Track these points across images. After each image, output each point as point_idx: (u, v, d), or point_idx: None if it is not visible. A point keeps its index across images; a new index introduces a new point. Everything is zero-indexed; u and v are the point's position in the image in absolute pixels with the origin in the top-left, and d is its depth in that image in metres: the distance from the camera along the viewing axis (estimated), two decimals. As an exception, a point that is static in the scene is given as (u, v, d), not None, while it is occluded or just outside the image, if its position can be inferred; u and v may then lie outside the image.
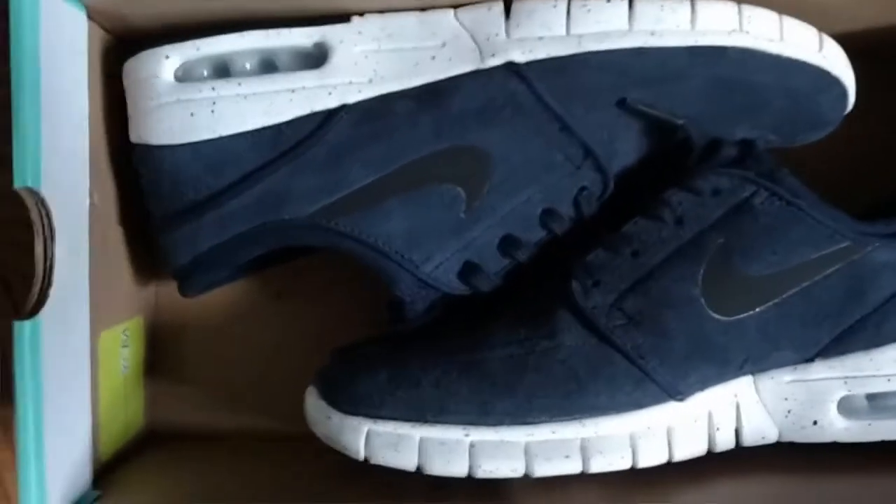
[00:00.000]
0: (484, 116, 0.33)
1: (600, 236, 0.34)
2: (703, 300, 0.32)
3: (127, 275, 0.38)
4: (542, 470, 0.31)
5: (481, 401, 0.31)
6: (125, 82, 0.35)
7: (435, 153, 0.33)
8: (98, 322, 0.35)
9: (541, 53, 0.32)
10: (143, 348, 0.41)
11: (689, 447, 0.33)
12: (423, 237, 0.34)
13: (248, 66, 0.34)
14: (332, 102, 0.33)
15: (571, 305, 0.33)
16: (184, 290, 0.36)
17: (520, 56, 0.32)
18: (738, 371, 0.33)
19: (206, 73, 0.34)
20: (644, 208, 0.34)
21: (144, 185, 0.35)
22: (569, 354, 0.32)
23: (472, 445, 0.31)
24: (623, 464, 0.32)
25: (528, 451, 0.31)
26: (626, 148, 0.34)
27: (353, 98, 0.33)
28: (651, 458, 0.32)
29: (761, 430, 0.34)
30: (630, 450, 0.32)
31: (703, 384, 0.33)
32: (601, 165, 0.34)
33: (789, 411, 0.34)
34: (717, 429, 0.33)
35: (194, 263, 0.35)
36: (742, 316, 0.32)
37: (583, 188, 0.34)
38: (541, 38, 0.32)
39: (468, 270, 0.35)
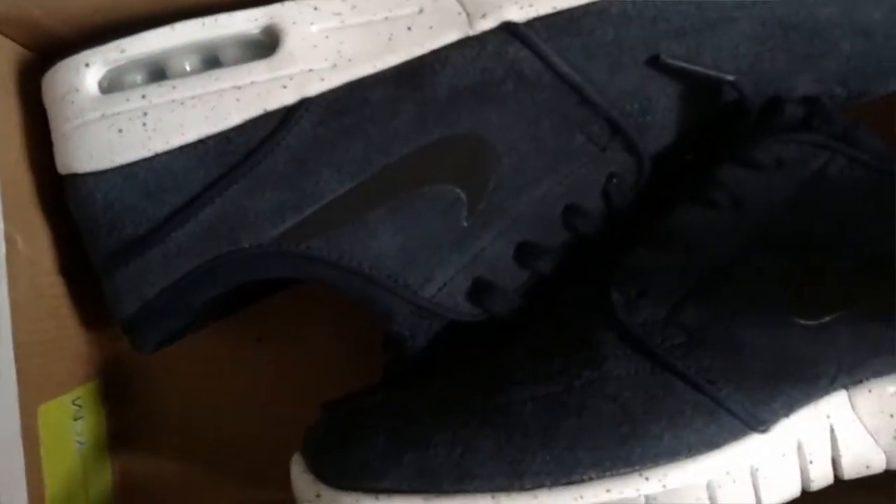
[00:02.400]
0: (480, 96, 0.26)
1: (641, 232, 0.27)
2: (785, 303, 0.25)
3: (70, 333, 0.32)
4: None
5: (511, 459, 0.25)
6: (45, 101, 0.29)
7: (423, 148, 0.27)
8: (32, 394, 0.28)
9: (545, 7, 0.25)
10: (102, 417, 0.34)
11: (780, 489, 0.26)
12: (419, 254, 0.27)
13: (187, 65, 0.28)
14: (289, 97, 0.27)
15: (614, 324, 0.26)
16: (137, 346, 0.30)
17: (517, 13, 0.26)
18: (830, 386, 0.27)
19: (137, 78, 0.28)
20: (692, 192, 0.27)
21: (79, 223, 0.29)
22: (618, 388, 0.25)
23: None
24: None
25: None
26: (662, 119, 0.28)
27: (314, 89, 0.27)
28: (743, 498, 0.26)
29: (864, 457, 0.27)
30: (705, 496, 0.25)
31: (790, 408, 0.26)
32: (633, 144, 0.27)
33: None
34: (811, 462, 0.27)
35: (143, 312, 0.29)
36: (832, 317, 0.26)
37: (612, 175, 0.28)
38: (542, -12, 0.25)
39: (479, 290, 0.28)
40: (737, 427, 0.26)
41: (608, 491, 0.25)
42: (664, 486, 0.25)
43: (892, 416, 0.27)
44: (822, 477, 0.27)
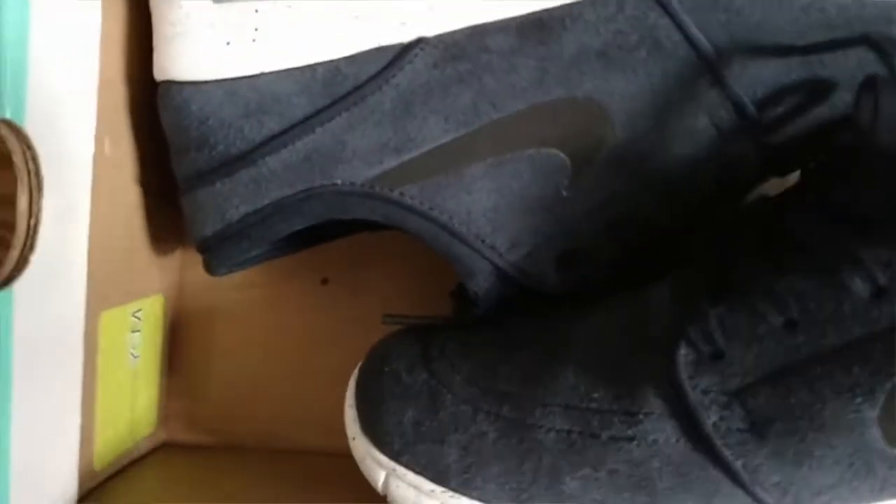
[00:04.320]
0: (608, 60, 0.25)
1: (750, 277, 0.24)
2: (877, 427, 0.22)
3: (143, 244, 0.31)
4: None
5: (517, 487, 0.23)
6: (151, 2, 0.28)
7: (537, 107, 0.25)
8: (98, 299, 0.28)
9: (693, -28, 0.24)
10: (161, 336, 0.34)
11: None
12: (511, 217, 0.26)
13: (301, -14, 0.27)
14: (406, 35, 0.25)
15: (672, 379, 0.23)
16: (210, 267, 0.29)
17: (666, -24, 0.24)
18: None
19: (249, -7, 0.27)
20: (824, 266, 0.23)
21: (168, 134, 0.28)
22: (649, 455, 0.23)
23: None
24: None
25: None
26: (800, 106, 0.26)
27: (433, 30, 0.25)
28: None
29: None
30: None
31: None
32: (756, 134, 0.25)
33: None
34: None
35: (223, 234, 0.28)
36: None
37: (731, 160, 0.26)
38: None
39: (567, 260, 0.27)
40: None
41: None
42: None
43: None
44: None
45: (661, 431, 0.23)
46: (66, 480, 0.27)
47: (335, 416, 0.31)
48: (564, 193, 0.26)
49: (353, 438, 0.26)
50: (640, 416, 0.23)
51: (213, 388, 0.35)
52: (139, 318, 0.32)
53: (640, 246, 0.28)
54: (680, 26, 0.24)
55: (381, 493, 0.26)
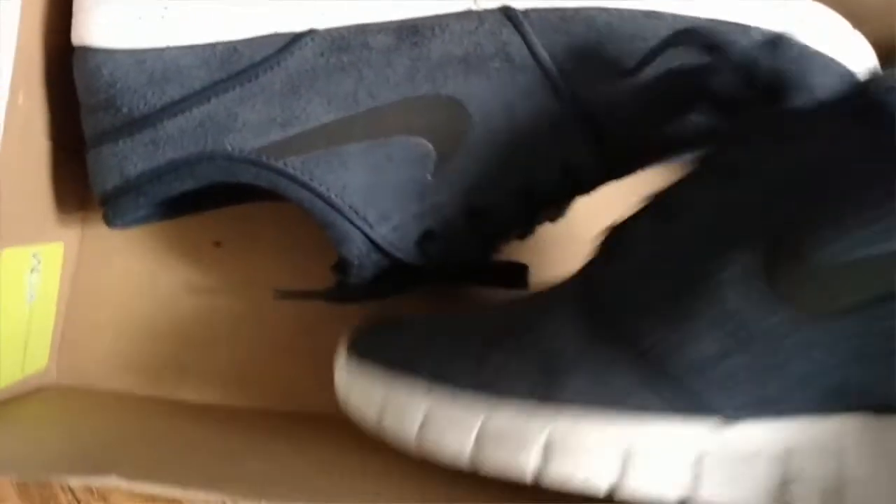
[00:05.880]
0: (468, 66, 0.29)
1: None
2: (755, 286, 0.23)
3: (48, 192, 0.34)
4: (488, 457, 0.25)
5: (450, 365, 0.26)
6: (73, -25, 0.31)
7: (408, 99, 0.29)
8: (5, 233, 0.30)
9: (543, 1, 0.28)
10: (57, 280, 0.36)
11: (736, 488, 0.23)
12: (382, 194, 0.30)
13: (213, -28, 0.30)
14: (299, 25, 0.29)
15: (581, 276, 0.27)
16: (109, 219, 0.32)
17: (519, 1, 0.28)
18: (840, 401, 0.23)
19: (165, -27, 0.30)
20: (704, 164, 0.26)
21: (80, 92, 0.31)
22: (558, 328, 0.25)
23: (428, 409, 0.26)
24: (599, 480, 0.24)
25: (481, 432, 0.25)
26: (628, 128, 0.30)
27: (323, 23, 0.29)
28: (656, 485, 0.23)
29: (874, 498, 0.23)
30: (618, 463, 0.24)
31: (775, 407, 0.24)
32: (597, 142, 0.30)
33: None
34: (794, 479, 0.23)
35: (123, 188, 0.31)
36: (830, 315, 0.22)
37: (571, 165, 0.30)
38: (546, -18, 0.28)
39: (427, 238, 0.31)
40: (680, 402, 0.24)
41: (513, 417, 0.25)
42: (570, 429, 0.24)
43: None
44: (806, 501, 0.23)
45: (568, 308, 0.26)
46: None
47: (216, 367, 0.34)
48: (429, 178, 0.30)
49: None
50: (552, 303, 0.27)
51: (103, 337, 0.38)
52: (38, 261, 0.34)
53: (495, 234, 0.33)
54: (528, 44, 0.28)
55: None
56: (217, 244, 0.38)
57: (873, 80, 0.24)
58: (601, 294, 0.26)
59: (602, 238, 0.28)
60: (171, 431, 0.33)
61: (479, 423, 0.25)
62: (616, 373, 0.24)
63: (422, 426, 0.26)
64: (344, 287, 0.32)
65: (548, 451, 0.24)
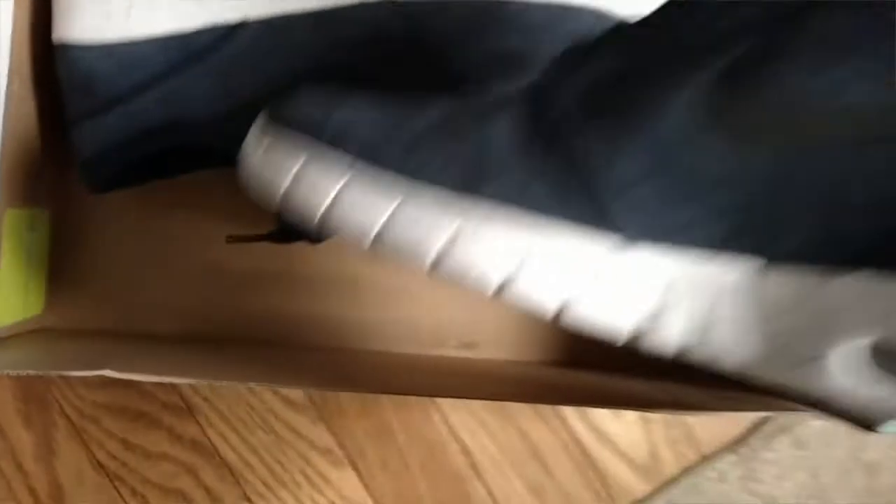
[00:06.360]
0: (370, 45, 0.37)
1: None
2: (692, 114, 0.23)
3: (40, 164, 0.41)
4: (396, 234, 0.25)
5: (377, 143, 0.25)
6: (52, -15, 0.38)
7: (321, 68, 0.37)
8: (6, 198, 0.38)
9: (420, -9, 0.36)
10: (48, 239, 0.44)
11: (610, 308, 0.24)
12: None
13: (165, -19, 0.38)
14: (235, 17, 0.37)
15: (533, 86, 0.26)
16: (89, 182, 0.40)
17: (403, -7, 0.37)
18: (730, 243, 0.24)
19: (126, -19, 0.38)
20: None
21: (62, 80, 0.39)
22: (498, 128, 0.25)
23: (345, 184, 0.26)
24: (491, 276, 0.24)
25: (392, 214, 0.25)
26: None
27: (255, 14, 0.37)
28: (541, 290, 0.24)
29: (731, 340, 0.24)
30: (515, 262, 0.24)
31: (671, 238, 0.24)
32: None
33: (786, 330, 0.23)
34: (670, 306, 0.24)
35: (101, 156, 0.39)
36: (744, 155, 0.23)
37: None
38: (419, -20, 0.36)
39: None
40: (588, 215, 0.24)
41: (431, 203, 0.25)
42: (479, 225, 0.24)
43: (788, 311, 0.23)
44: (673, 329, 0.24)
45: (514, 112, 0.26)
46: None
47: (196, 304, 0.41)
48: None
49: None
50: (499, 104, 0.26)
51: (86, 286, 0.45)
52: (33, 221, 0.42)
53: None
54: (409, 29, 0.36)
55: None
56: (177, 206, 0.46)
57: None
58: (550, 104, 0.26)
59: (562, 52, 0.27)
60: (154, 344, 0.41)
61: (393, 206, 0.25)
62: (541, 181, 0.24)
63: (333, 201, 0.25)
64: (285, 228, 0.40)
65: (451, 241, 0.24)
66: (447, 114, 0.27)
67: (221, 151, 0.38)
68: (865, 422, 0.22)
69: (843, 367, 0.22)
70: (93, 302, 0.45)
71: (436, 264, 0.25)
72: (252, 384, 0.34)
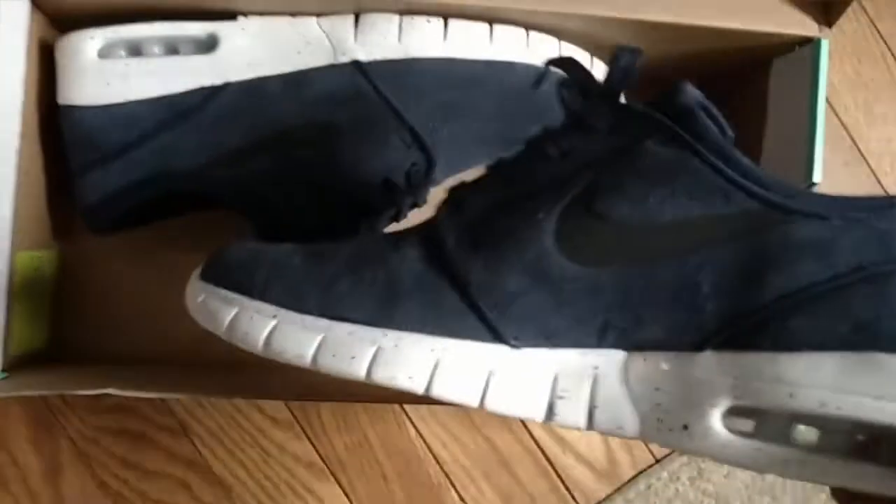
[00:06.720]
0: (335, 100, 0.42)
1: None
2: (553, 239, 0.28)
3: (47, 211, 0.47)
4: (324, 363, 0.29)
5: (299, 290, 0.30)
6: (57, 55, 0.44)
7: (299, 126, 0.42)
8: (17, 242, 0.43)
9: (378, 55, 0.42)
10: (55, 277, 0.49)
11: (514, 403, 0.29)
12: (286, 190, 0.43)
13: (156, 49, 0.43)
14: (217, 80, 0.42)
15: (430, 224, 0.31)
16: (93, 225, 0.45)
17: (363, 56, 0.42)
18: (600, 340, 0.29)
19: (122, 52, 0.44)
20: (533, 145, 0.32)
21: (66, 138, 0.44)
22: (402, 265, 0.30)
23: (275, 326, 0.30)
24: (411, 384, 0.29)
25: (321, 344, 0.29)
26: (449, 137, 0.44)
27: (234, 77, 0.42)
28: (452, 391, 0.28)
29: (619, 417, 0.28)
30: (428, 372, 0.29)
31: (551, 340, 0.29)
32: (426, 148, 0.44)
33: (658, 405, 0.27)
34: (560, 397, 0.28)
35: (102, 202, 0.44)
36: (600, 269, 0.28)
37: (413, 164, 0.44)
38: (379, 44, 0.42)
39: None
40: (481, 330, 0.29)
41: (350, 334, 0.29)
42: (395, 346, 0.29)
43: (657, 389, 0.27)
44: (569, 416, 0.28)
45: (416, 251, 0.30)
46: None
47: (188, 333, 0.46)
48: (321, 175, 0.44)
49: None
50: (404, 244, 0.31)
51: (89, 320, 0.50)
52: (42, 262, 0.47)
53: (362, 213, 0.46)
54: (372, 84, 0.42)
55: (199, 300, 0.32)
56: (171, 245, 0.51)
57: (668, 96, 0.29)
58: (444, 238, 0.30)
59: (449, 193, 0.33)
60: (151, 367, 0.46)
61: (319, 339, 0.29)
62: (441, 302, 0.29)
63: (267, 340, 0.30)
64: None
65: (374, 361, 0.29)
66: (359, 251, 0.31)
67: (208, 196, 0.43)
68: (755, 470, 0.27)
69: (706, 433, 0.27)
70: (96, 332, 0.50)
71: (368, 378, 0.29)
72: (238, 399, 0.39)
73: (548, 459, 0.58)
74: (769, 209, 0.27)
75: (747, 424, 0.27)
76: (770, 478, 0.59)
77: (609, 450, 0.58)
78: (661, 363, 0.28)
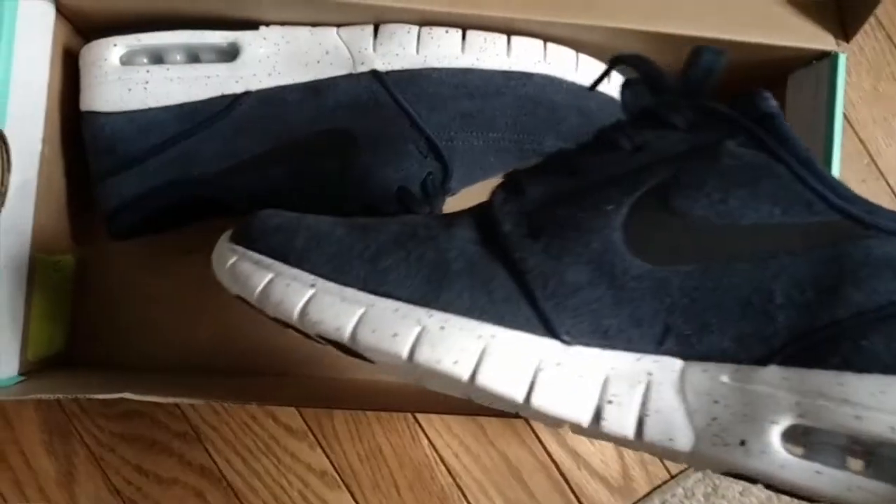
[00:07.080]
0: (353, 109, 0.43)
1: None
2: (621, 232, 0.27)
3: (68, 216, 0.47)
4: (363, 339, 0.28)
5: (341, 261, 0.29)
6: (80, 62, 0.45)
7: (315, 133, 0.43)
8: (36, 245, 0.44)
9: (397, 65, 0.42)
10: (71, 282, 0.50)
11: (559, 402, 0.27)
12: (301, 198, 0.44)
13: (177, 56, 0.44)
14: (239, 89, 0.43)
15: (485, 207, 0.30)
16: (112, 230, 0.46)
17: (381, 66, 0.43)
18: (658, 345, 0.27)
19: (144, 59, 0.44)
20: (603, 135, 0.30)
21: (88, 143, 0.45)
22: (453, 245, 0.29)
23: (313, 295, 0.29)
24: (456, 370, 0.27)
25: (362, 319, 0.28)
26: (464, 146, 0.44)
27: (255, 86, 0.43)
28: (498, 382, 0.27)
29: (671, 429, 0.26)
30: (474, 359, 0.27)
31: (605, 340, 0.27)
32: (442, 158, 0.44)
33: (714, 419, 0.26)
34: (609, 401, 0.27)
35: (121, 208, 0.44)
36: (668, 268, 0.27)
37: (429, 173, 0.44)
38: (397, 54, 0.42)
39: None
40: (532, 321, 0.27)
41: (395, 311, 0.28)
42: (441, 328, 0.27)
43: (716, 402, 0.26)
44: (618, 422, 0.27)
45: (469, 234, 0.29)
46: (9, 360, 0.42)
47: (205, 339, 0.46)
48: (336, 182, 0.44)
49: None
50: (457, 226, 0.30)
51: (105, 325, 0.51)
52: (60, 267, 0.47)
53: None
54: (389, 93, 0.42)
55: (228, 264, 0.31)
56: (188, 252, 0.51)
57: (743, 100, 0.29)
58: (501, 221, 0.29)
59: (505, 178, 0.32)
60: (167, 373, 0.46)
61: (360, 312, 0.28)
62: (493, 287, 0.28)
63: (303, 310, 0.29)
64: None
65: (418, 341, 0.27)
66: (408, 229, 0.30)
67: (227, 203, 0.44)
68: (805, 496, 0.26)
69: (764, 450, 0.25)
70: (112, 337, 0.51)
71: (410, 358, 0.28)
72: (253, 405, 0.39)
73: (561, 473, 0.57)
74: (850, 223, 0.26)
75: (797, 450, 0.25)
76: (786, 499, 0.59)
77: (624, 465, 0.58)
78: (721, 375, 0.26)
